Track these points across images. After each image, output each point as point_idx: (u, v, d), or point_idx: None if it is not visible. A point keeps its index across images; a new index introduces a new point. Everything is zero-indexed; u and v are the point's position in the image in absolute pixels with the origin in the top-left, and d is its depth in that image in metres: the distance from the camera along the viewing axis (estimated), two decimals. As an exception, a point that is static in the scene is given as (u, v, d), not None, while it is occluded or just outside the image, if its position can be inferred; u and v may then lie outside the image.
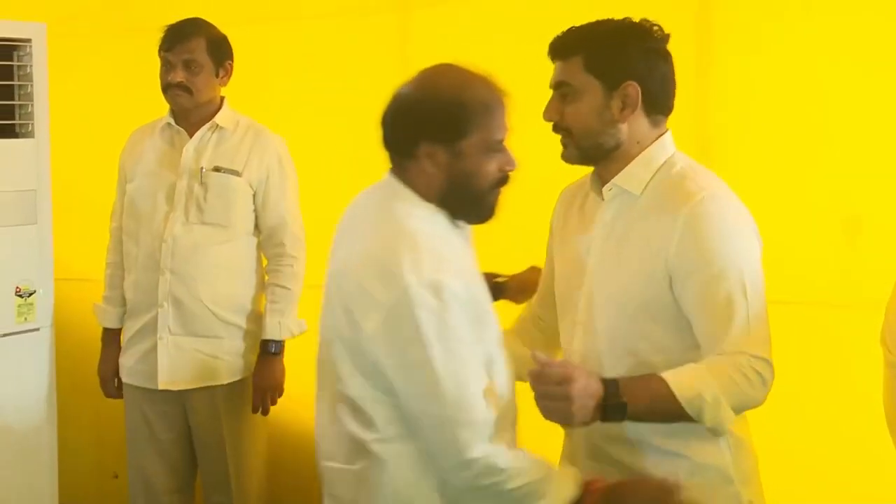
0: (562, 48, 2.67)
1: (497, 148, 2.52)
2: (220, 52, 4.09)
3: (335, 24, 4.64)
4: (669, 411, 2.47)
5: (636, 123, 2.66)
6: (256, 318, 4.15)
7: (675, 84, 2.70)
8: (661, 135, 2.70)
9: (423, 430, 2.43)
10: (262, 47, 4.67)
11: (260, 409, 4.17)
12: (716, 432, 2.51)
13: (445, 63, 2.59)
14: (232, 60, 4.13)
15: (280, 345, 4.12)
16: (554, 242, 2.95)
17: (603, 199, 2.73)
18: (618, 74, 2.62)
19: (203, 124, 4.11)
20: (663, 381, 2.47)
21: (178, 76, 4.02)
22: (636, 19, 2.68)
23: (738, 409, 2.52)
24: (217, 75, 4.10)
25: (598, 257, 2.71)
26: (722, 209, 2.59)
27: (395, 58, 4.52)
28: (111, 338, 4.24)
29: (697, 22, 3.94)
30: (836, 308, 3.69)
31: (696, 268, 2.55)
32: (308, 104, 4.65)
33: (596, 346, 2.71)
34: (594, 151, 2.67)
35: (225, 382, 4.10)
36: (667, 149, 2.70)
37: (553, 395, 2.39)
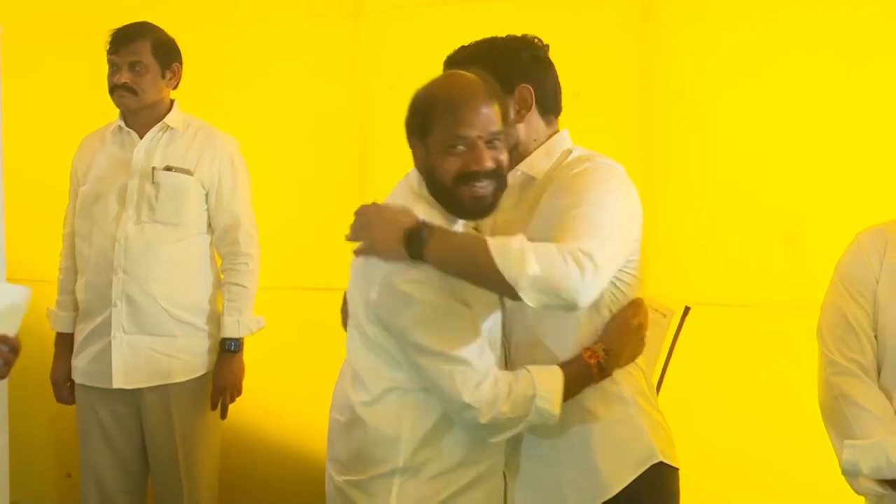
0: (457, 64, 2.85)
1: (458, 145, 2.68)
2: (167, 54, 4.11)
3: (288, 28, 4.65)
4: (479, 273, 2.55)
5: (532, 123, 2.87)
6: (214, 317, 4.17)
7: (561, 89, 2.92)
8: (555, 132, 2.91)
9: (431, 383, 2.70)
10: (216, 51, 4.68)
11: (219, 409, 4.19)
12: (514, 284, 2.51)
13: (451, 71, 2.85)
14: (180, 63, 4.15)
15: (238, 343, 4.15)
16: None
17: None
18: (512, 79, 2.82)
19: (153, 126, 4.12)
20: (486, 245, 2.53)
21: (123, 77, 4.04)
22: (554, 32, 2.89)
23: (547, 285, 2.50)
24: (163, 77, 4.11)
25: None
26: (601, 171, 2.74)
27: (347, 62, 4.55)
28: (63, 342, 4.23)
29: (643, 35, 4.00)
30: (780, 310, 3.77)
31: (560, 205, 2.66)
32: (261, 108, 4.67)
33: (513, 328, 2.83)
34: None
35: (180, 381, 4.11)
36: (565, 142, 2.90)
37: (361, 224, 2.65)
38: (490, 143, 2.70)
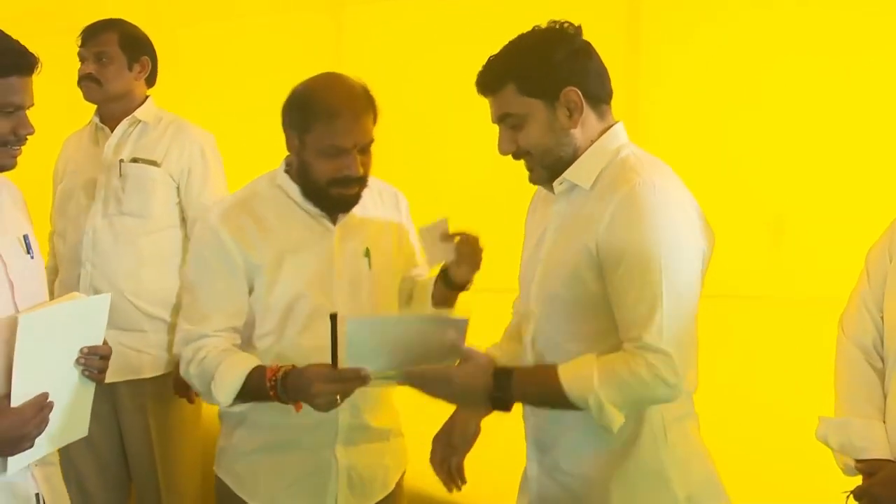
0: (491, 83, 2.65)
1: (334, 152, 2.87)
2: (134, 46, 4.08)
3: (269, 22, 4.65)
4: (560, 404, 2.53)
5: (586, 122, 2.64)
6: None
7: (606, 70, 2.69)
8: (609, 126, 2.68)
9: None
10: (197, 46, 4.67)
11: (198, 403, 4.15)
12: (605, 430, 2.53)
13: (333, 72, 2.99)
14: (150, 57, 4.11)
15: None
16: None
17: (554, 193, 2.72)
18: (554, 86, 2.61)
19: (121, 120, 4.09)
20: (556, 377, 2.51)
21: (89, 68, 4.02)
22: (544, 24, 2.66)
23: (633, 406, 2.53)
24: (130, 69, 4.07)
25: (548, 249, 2.72)
26: (653, 197, 2.53)
27: (328, 55, 4.54)
28: None
29: (628, 25, 3.99)
30: (759, 301, 3.77)
31: (620, 255, 2.53)
32: (243, 102, 4.65)
33: (538, 333, 2.74)
34: (558, 165, 2.66)
35: (150, 376, 4.07)
36: (618, 138, 2.68)
37: (437, 394, 2.62)
38: (362, 150, 2.90)
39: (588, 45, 2.68)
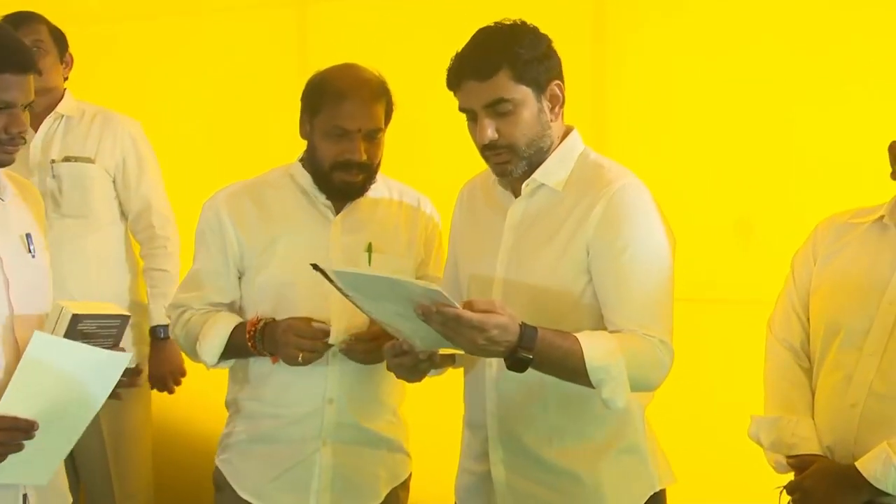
0: (483, 67, 2.58)
1: (339, 134, 2.91)
2: (61, 41, 4.03)
3: (233, 19, 4.62)
4: (574, 372, 2.48)
5: (557, 120, 2.68)
6: (137, 307, 4.05)
7: None
8: (568, 129, 2.73)
9: None
10: (161, 43, 4.64)
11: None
12: (607, 405, 2.51)
13: (350, 62, 3.01)
14: (70, 54, 4.07)
15: (168, 328, 4.06)
16: (457, 239, 2.94)
17: (513, 194, 2.72)
18: (544, 77, 2.62)
19: (46, 116, 4.00)
20: (578, 344, 2.47)
21: None
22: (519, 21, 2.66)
23: (635, 389, 2.54)
24: (61, 62, 4.03)
25: (513, 249, 2.71)
26: (639, 198, 2.63)
27: (292, 53, 4.52)
28: None
29: (594, 25, 3.98)
30: (728, 304, 3.78)
31: (612, 249, 2.58)
32: (207, 99, 4.62)
33: None
34: (537, 157, 2.66)
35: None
36: (579, 142, 2.73)
37: (464, 337, 2.39)
38: (368, 136, 2.92)
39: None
